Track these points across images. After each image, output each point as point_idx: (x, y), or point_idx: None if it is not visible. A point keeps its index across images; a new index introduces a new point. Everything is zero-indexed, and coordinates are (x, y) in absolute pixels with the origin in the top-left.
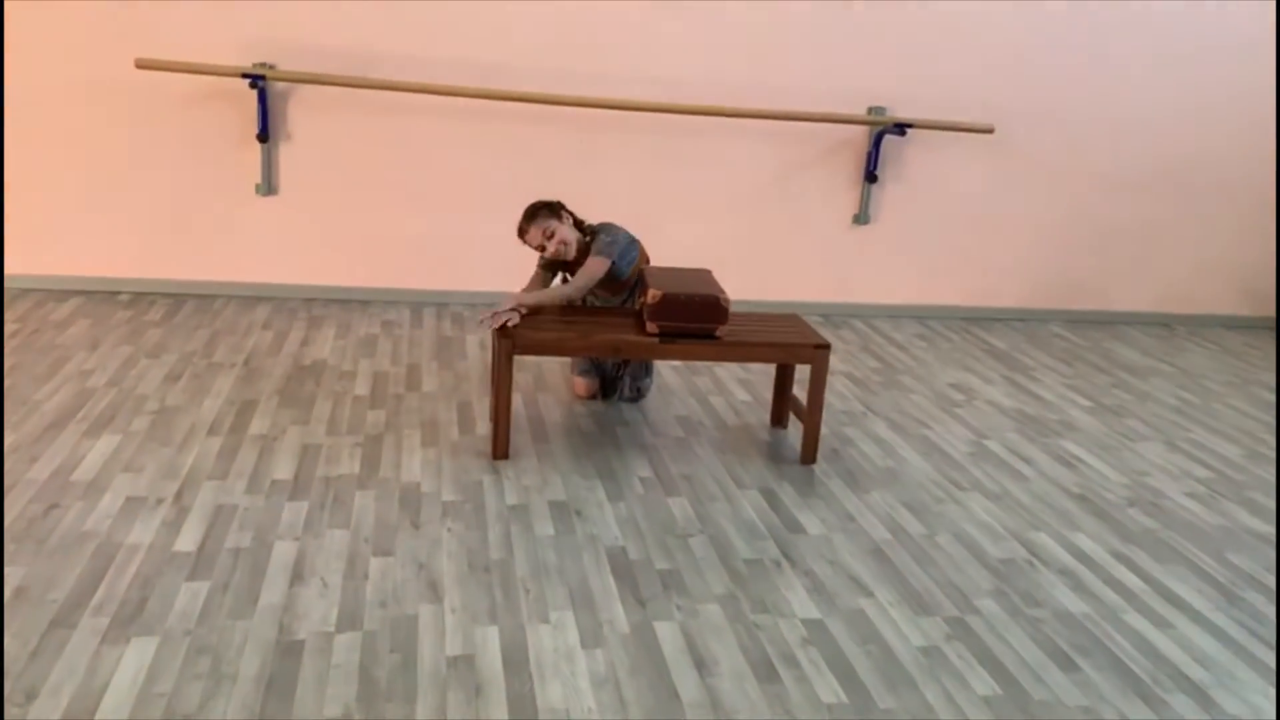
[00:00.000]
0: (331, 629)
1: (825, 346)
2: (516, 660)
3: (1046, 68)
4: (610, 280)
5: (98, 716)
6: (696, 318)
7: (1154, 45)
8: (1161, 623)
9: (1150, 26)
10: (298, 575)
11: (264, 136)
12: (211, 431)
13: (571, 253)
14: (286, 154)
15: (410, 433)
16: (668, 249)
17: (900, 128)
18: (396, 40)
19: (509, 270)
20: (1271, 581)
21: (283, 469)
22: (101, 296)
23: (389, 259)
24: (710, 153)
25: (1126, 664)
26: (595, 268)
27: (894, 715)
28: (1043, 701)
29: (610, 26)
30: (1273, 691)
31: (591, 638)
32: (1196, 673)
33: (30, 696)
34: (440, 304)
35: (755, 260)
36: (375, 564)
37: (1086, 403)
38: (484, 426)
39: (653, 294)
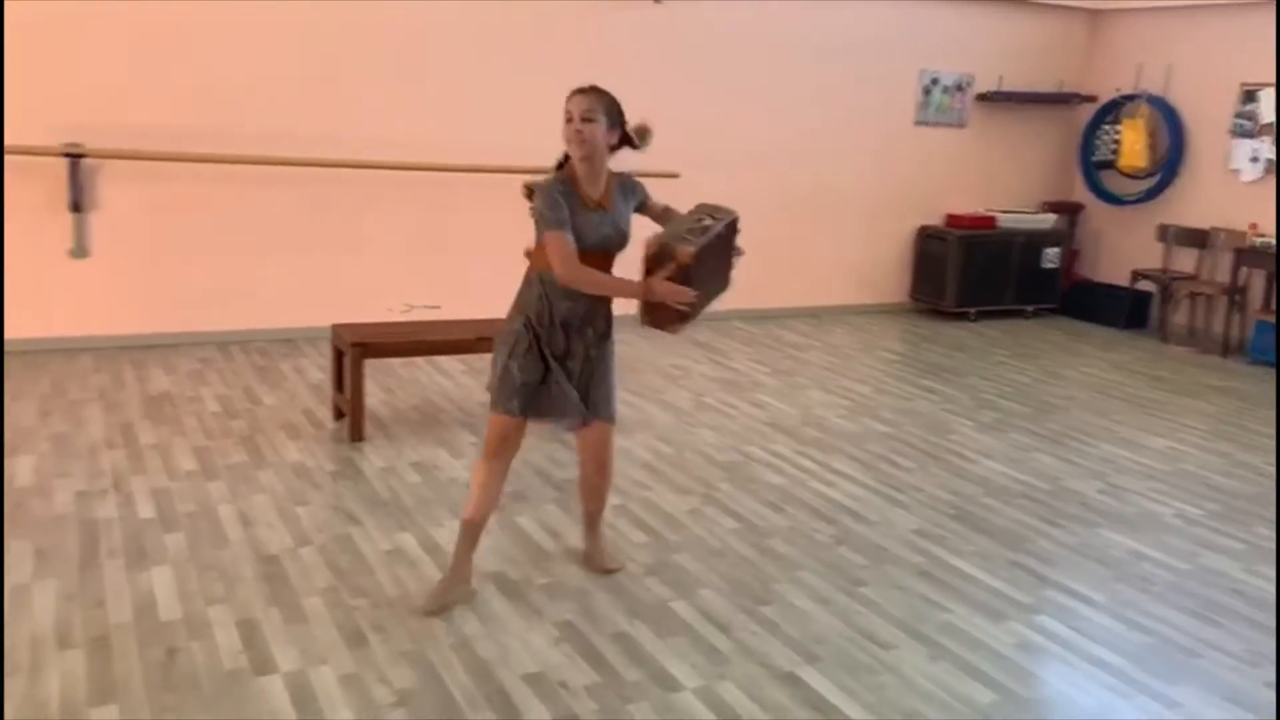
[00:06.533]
0: (292, 545)
1: None
2: (433, 548)
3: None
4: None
5: (157, 618)
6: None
7: (783, 89)
8: (831, 484)
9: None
10: (246, 522)
11: (76, 206)
12: (110, 445)
13: (589, 153)
14: (97, 220)
15: (274, 432)
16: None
17: None
18: (192, 116)
19: (299, 307)
20: (899, 459)
21: (189, 463)
22: None
23: (194, 307)
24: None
25: (814, 505)
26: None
27: (682, 546)
28: (766, 529)
29: (372, 104)
30: (904, 514)
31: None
32: (853, 505)
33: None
34: (243, 342)
35: None
36: (301, 511)
37: (767, 369)
38: (332, 425)
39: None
